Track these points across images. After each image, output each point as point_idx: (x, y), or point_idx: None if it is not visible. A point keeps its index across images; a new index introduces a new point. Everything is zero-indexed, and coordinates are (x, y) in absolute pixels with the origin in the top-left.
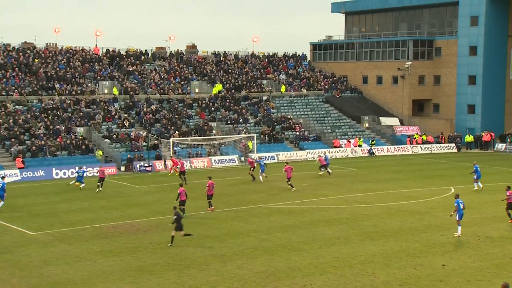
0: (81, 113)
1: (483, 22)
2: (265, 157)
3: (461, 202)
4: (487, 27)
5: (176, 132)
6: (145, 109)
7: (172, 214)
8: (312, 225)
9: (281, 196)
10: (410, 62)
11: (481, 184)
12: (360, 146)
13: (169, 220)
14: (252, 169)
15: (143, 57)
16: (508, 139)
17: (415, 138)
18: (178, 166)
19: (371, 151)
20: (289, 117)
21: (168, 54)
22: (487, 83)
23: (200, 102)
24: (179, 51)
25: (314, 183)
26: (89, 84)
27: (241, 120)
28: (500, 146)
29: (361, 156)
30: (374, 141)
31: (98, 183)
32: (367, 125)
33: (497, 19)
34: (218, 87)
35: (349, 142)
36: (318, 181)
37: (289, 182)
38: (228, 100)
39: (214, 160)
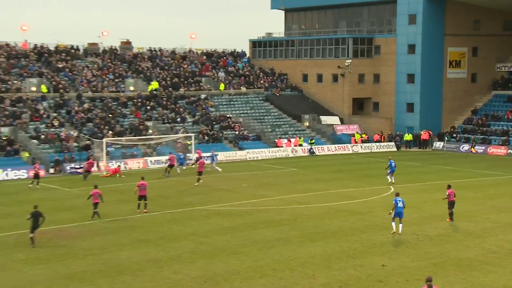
0: (6, 112)
1: (421, 21)
2: (204, 157)
3: (399, 200)
4: (424, 26)
5: (110, 132)
6: (76, 107)
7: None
8: (251, 227)
9: (219, 197)
10: (350, 60)
11: (394, 178)
12: (300, 145)
13: (103, 225)
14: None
15: (74, 53)
16: (446, 138)
17: (355, 137)
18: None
19: (312, 150)
20: (228, 116)
21: (101, 50)
22: (425, 81)
23: (135, 100)
24: (113, 47)
25: (253, 184)
26: (15, 81)
27: (178, 119)
28: (438, 144)
29: (301, 156)
30: (313, 140)
31: (34, 180)
32: (307, 124)
33: (434, 17)
34: (154, 85)
35: (290, 141)
36: (257, 182)
37: (199, 176)
38: (164, 99)
39: (150, 161)
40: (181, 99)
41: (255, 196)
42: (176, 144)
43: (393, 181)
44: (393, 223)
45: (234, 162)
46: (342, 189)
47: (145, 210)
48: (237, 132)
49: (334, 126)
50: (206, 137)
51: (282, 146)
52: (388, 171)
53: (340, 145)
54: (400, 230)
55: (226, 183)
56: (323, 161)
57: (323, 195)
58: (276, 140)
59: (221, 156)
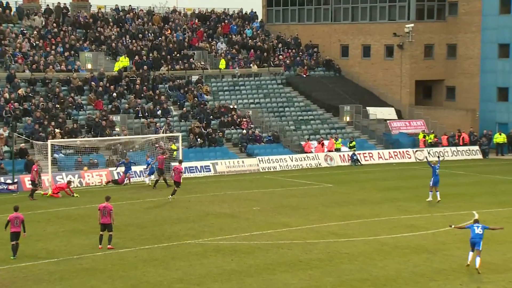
0: None
1: None
2: (196, 167)
3: (478, 226)
4: None
5: (57, 130)
6: (6, 94)
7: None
8: (267, 270)
9: (219, 226)
10: (412, 25)
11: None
12: (337, 150)
13: (47, 267)
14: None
15: (2, 14)
16: None
17: (419, 138)
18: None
19: (355, 157)
20: (231, 107)
21: (43, 10)
22: None
23: (94, 84)
24: (61, 6)
25: (269, 207)
26: None
27: (159, 112)
28: None
29: (339, 166)
30: (354, 142)
31: None
32: (348, 118)
33: None
34: (123, 61)
35: (322, 144)
36: (274, 204)
37: (175, 188)
38: (138, 82)
39: (118, 173)
40: (163, 82)
41: (272, 224)
42: (156, 148)
43: (438, 199)
44: (470, 254)
45: (241, 174)
46: (400, 215)
47: (109, 246)
48: (244, 132)
49: (388, 122)
50: (199, 138)
51: (311, 152)
52: (431, 183)
53: (397, 150)
54: (477, 265)
55: (229, 205)
56: (371, 174)
57: (371, 223)
58: (303, 143)
59: (222, 166)
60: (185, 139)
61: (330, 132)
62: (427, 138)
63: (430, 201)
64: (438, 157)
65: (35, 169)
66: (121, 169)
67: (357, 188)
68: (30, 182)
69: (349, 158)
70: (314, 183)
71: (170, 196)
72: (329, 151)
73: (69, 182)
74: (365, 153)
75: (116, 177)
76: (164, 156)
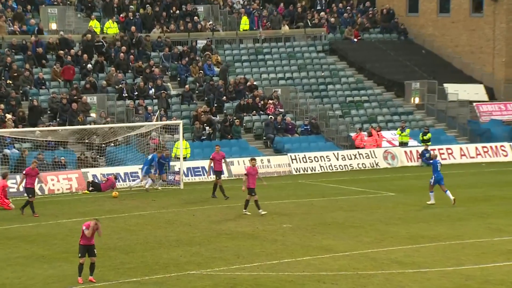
0: None
1: None
2: (203, 168)
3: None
4: None
5: (9, 115)
6: None
7: None
8: None
9: (236, 250)
10: None
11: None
12: (404, 144)
13: None
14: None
15: None
16: None
17: None
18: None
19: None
20: (252, 83)
21: None
22: None
23: (61, 52)
24: None
25: (305, 224)
26: None
27: (151, 91)
28: None
29: (405, 166)
30: (429, 134)
31: None
32: (417, 100)
33: None
34: (112, 27)
35: (379, 134)
36: (313, 219)
37: (252, 200)
38: (124, 49)
39: (94, 176)
40: (156, 49)
41: (310, 249)
42: (150, 140)
43: (451, 199)
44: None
45: (266, 177)
46: (491, 237)
47: (90, 278)
48: (271, 118)
49: (475, 105)
50: (207, 127)
51: (363, 147)
52: (432, 181)
53: (487, 144)
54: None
55: (249, 222)
56: (451, 178)
57: (451, 248)
58: (353, 135)
59: (239, 166)
60: (188, 128)
61: (391, 119)
62: None
63: (432, 204)
64: None
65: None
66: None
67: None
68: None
69: (419, 156)
70: (369, 190)
71: (244, 210)
72: (390, 145)
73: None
74: (441, 149)
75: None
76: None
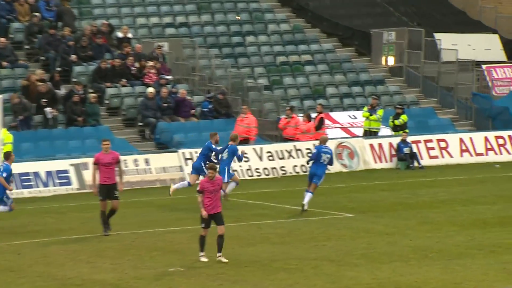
0: None
1: None
2: (29, 175)
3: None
4: None
5: None
6: None
7: None
8: None
9: (239, 275)
10: None
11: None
12: (372, 133)
13: None
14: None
15: None
16: None
17: None
18: None
19: (405, 150)
20: (124, 34)
21: None
22: None
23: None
24: None
25: (207, 264)
26: None
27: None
28: None
29: (373, 169)
30: (404, 117)
31: None
32: (391, 61)
33: None
34: None
35: (319, 117)
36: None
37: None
38: None
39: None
40: None
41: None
42: None
43: (304, 205)
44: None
45: (143, 188)
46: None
47: None
48: (151, 91)
49: (486, 68)
50: (48, 107)
51: (297, 139)
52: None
53: (505, 132)
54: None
55: (115, 262)
56: (441, 188)
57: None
58: (281, 118)
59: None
60: (9, 108)
61: (351, 91)
62: None
63: (304, 208)
64: None
65: None
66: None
67: (413, 220)
68: None
69: (396, 152)
70: (313, 209)
71: (201, 252)
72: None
73: None
74: (429, 140)
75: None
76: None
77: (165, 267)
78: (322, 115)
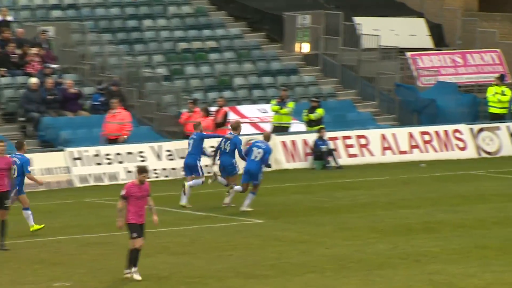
0: None
1: None
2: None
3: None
4: None
5: None
6: None
7: None
8: None
9: None
10: None
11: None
12: (283, 128)
13: None
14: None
15: None
16: None
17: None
18: None
19: (322, 147)
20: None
21: None
22: None
23: None
24: None
25: None
26: None
27: None
28: None
29: (285, 169)
30: (320, 111)
31: None
32: (306, 47)
33: None
34: None
35: (220, 111)
36: (109, 276)
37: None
38: None
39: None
40: None
41: None
42: None
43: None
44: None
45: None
46: None
47: None
48: (34, 82)
49: (411, 55)
50: None
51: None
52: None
53: (431, 127)
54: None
55: None
56: (361, 191)
57: None
58: (182, 113)
59: None
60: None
61: (261, 82)
62: (497, 94)
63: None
64: None
65: None
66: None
67: (330, 227)
68: None
69: (311, 150)
70: (217, 215)
71: (127, 270)
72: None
73: None
74: (347, 137)
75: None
76: None
77: (48, 281)
78: (225, 109)
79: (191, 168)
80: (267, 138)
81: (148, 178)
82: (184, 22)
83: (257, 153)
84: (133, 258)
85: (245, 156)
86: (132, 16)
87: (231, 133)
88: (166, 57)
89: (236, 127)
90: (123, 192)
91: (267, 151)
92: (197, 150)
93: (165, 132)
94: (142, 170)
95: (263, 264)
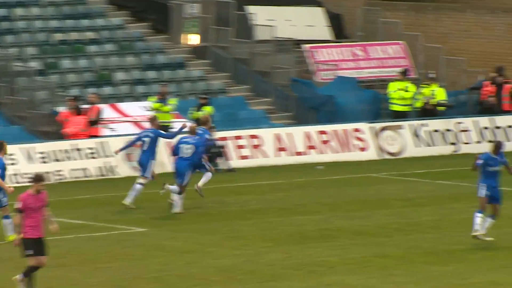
0: None
1: None
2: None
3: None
4: None
5: None
6: None
7: None
8: None
9: None
10: None
11: None
12: (165, 127)
13: None
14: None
15: None
16: None
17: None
18: None
19: (215, 148)
20: None
21: None
22: None
23: None
24: None
25: None
26: None
27: None
28: None
29: (170, 173)
30: (208, 108)
31: None
32: (196, 39)
33: None
34: None
35: (92, 108)
36: None
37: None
38: None
39: None
40: None
41: None
42: None
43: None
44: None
45: None
46: None
47: None
48: None
49: (308, 48)
50: None
51: (74, 135)
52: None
53: (329, 126)
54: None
55: None
56: (252, 196)
57: None
58: (61, 111)
59: None
60: None
61: (144, 77)
62: (399, 90)
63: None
64: None
65: None
66: None
67: (218, 235)
68: None
69: (210, 155)
70: (92, 223)
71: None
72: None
73: None
74: (238, 137)
75: None
76: None
77: None
78: (98, 106)
79: (142, 167)
80: (193, 132)
81: (44, 188)
82: (60, 11)
83: (186, 150)
84: (28, 271)
85: (175, 154)
86: (1, 4)
87: (201, 128)
88: (40, 49)
89: (205, 121)
90: (19, 205)
91: (199, 144)
92: (152, 149)
93: (39, 132)
94: (39, 179)
95: (145, 276)
